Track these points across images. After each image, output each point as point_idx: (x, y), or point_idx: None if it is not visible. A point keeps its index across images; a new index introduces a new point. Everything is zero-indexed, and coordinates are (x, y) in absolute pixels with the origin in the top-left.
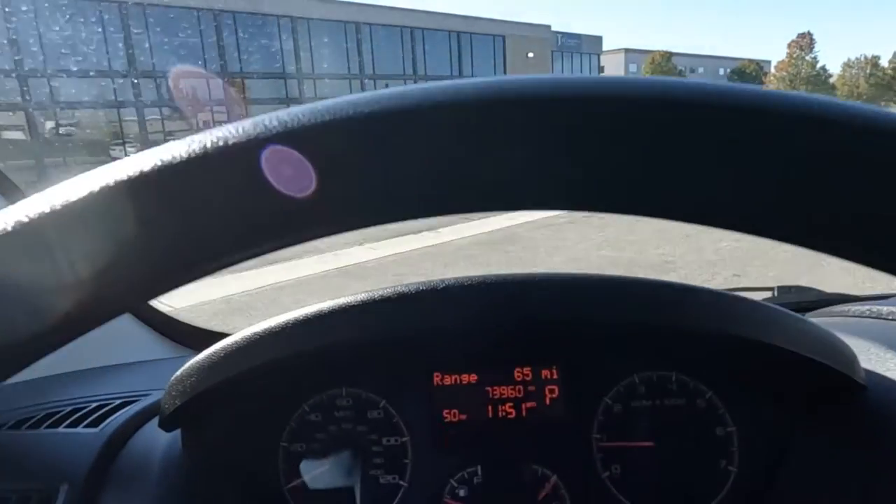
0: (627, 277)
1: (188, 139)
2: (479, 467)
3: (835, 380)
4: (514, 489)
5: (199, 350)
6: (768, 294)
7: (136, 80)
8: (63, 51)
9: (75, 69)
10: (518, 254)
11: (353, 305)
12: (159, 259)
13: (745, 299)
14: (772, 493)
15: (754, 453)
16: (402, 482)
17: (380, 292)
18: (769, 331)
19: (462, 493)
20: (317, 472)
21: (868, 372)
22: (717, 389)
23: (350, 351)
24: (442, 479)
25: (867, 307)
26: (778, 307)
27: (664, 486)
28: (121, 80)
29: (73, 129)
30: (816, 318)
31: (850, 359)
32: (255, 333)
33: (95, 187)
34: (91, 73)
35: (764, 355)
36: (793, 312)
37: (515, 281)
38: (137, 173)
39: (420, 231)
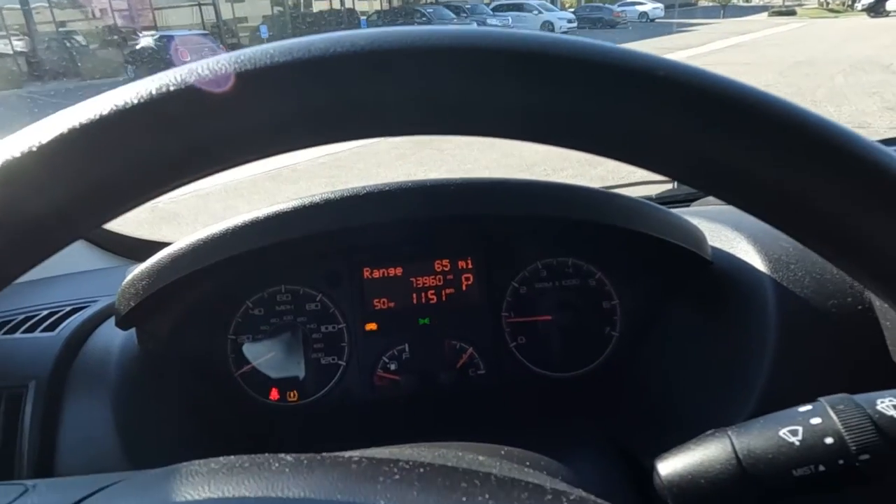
0: (527, 180)
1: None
2: (406, 345)
3: (686, 256)
4: (437, 361)
5: (138, 259)
6: (670, 185)
7: None
8: None
9: None
10: (452, 152)
11: (287, 211)
12: (105, 188)
13: (617, 195)
14: (644, 349)
15: (632, 321)
16: (340, 362)
17: (310, 198)
18: (633, 219)
19: (393, 367)
20: (264, 359)
21: (717, 250)
22: (605, 270)
23: (287, 252)
24: (375, 356)
25: None
26: (640, 200)
27: (560, 350)
28: None
29: None
30: (697, 207)
31: (698, 238)
32: (199, 239)
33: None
34: None
35: (633, 238)
36: (654, 203)
37: (433, 185)
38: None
39: None
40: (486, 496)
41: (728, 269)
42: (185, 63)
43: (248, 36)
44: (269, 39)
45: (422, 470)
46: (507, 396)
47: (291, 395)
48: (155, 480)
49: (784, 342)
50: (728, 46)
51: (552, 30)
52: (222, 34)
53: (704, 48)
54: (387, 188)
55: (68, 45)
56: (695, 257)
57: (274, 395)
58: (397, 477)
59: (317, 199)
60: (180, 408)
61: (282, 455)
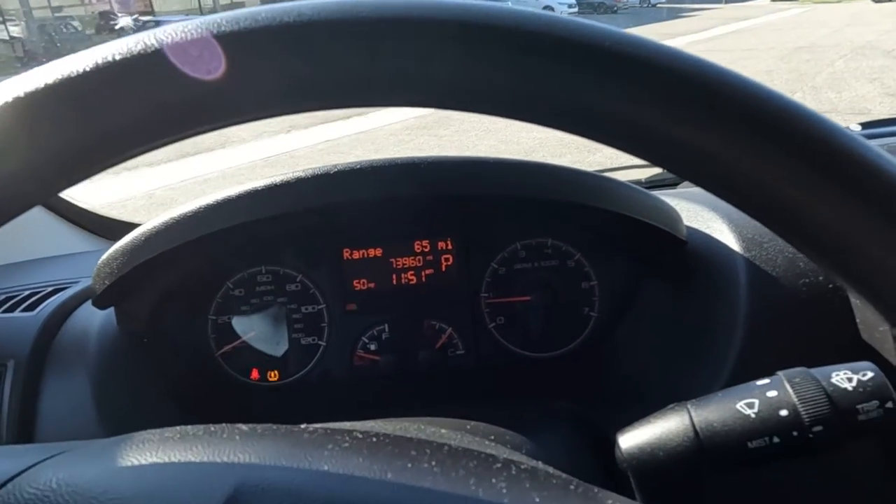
0: (503, 158)
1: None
2: (385, 325)
3: (662, 236)
4: (417, 341)
5: (116, 239)
6: (659, 169)
7: None
8: None
9: None
10: (450, 138)
11: (262, 188)
12: (65, 152)
13: (593, 175)
14: (621, 329)
15: (610, 301)
16: (320, 342)
17: (286, 174)
18: (607, 199)
19: (372, 347)
20: (245, 338)
21: (692, 230)
22: (583, 251)
23: (263, 231)
24: (355, 337)
25: None
26: (616, 180)
27: (539, 331)
28: None
29: None
30: (682, 189)
31: (674, 218)
32: (172, 218)
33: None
34: None
35: (610, 219)
36: (631, 184)
37: (413, 163)
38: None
39: (349, 117)
40: (433, 463)
41: (702, 249)
42: None
43: None
44: None
45: (374, 440)
46: (485, 376)
47: (272, 374)
48: (106, 448)
49: (754, 319)
50: (729, 32)
51: None
52: None
53: (705, 34)
54: (363, 165)
55: (64, 30)
56: (670, 237)
57: (254, 374)
58: (346, 445)
59: (293, 175)
60: (160, 387)
61: (238, 425)
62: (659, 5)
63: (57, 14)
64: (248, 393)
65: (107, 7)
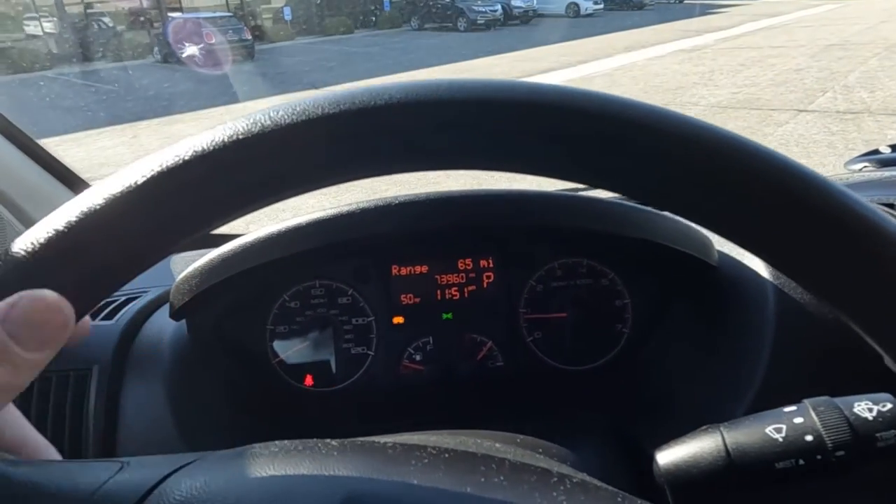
0: (543, 192)
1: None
2: (430, 338)
3: (694, 261)
4: (459, 353)
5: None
6: None
7: None
8: None
9: None
10: None
11: (326, 219)
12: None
13: (628, 206)
14: (651, 346)
15: (642, 319)
16: (369, 352)
17: (347, 207)
18: (643, 228)
19: (417, 357)
20: (299, 348)
21: (723, 255)
22: (617, 271)
23: (323, 252)
24: (401, 348)
25: None
26: (650, 209)
27: (573, 346)
28: None
29: None
30: None
31: (705, 244)
32: (248, 242)
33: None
34: None
35: (644, 245)
36: (662, 213)
37: (457, 197)
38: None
39: None
40: (501, 478)
41: (733, 274)
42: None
43: (271, 18)
44: (293, 22)
45: (447, 455)
46: (521, 387)
47: (323, 381)
48: (226, 460)
49: (780, 346)
50: (758, 29)
51: (578, 11)
52: (245, 16)
53: (734, 31)
54: (415, 199)
55: (96, 26)
56: (702, 262)
57: (308, 381)
58: (426, 461)
59: (352, 208)
60: (226, 392)
61: (328, 441)
62: (686, 1)
63: (89, 11)
64: (302, 399)
65: (137, 4)
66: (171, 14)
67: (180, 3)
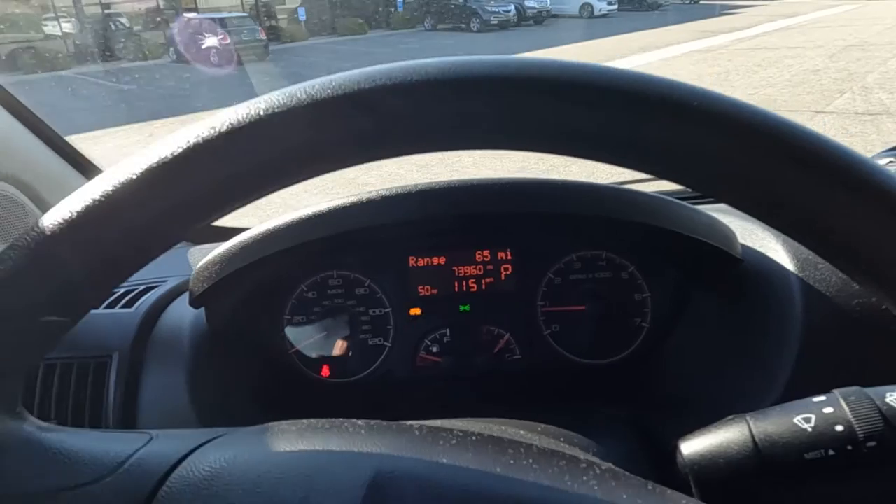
0: (563, 180)
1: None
2: (447, 329)
3: (718, 254)
4: (476, 345)
5: (194, 241)
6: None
7: None
8: None
9: None
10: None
11: (346, 205)
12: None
13: (647, 195)
14: (672, 340)
15: (662, 313)
16: (385, 343)
17: (366, 194)
18: (666, 217)
19: (435, 349)
20: (315, 338)
21: (746, 248)
22: (637, 264)
23: (340, 241)
24: (418, 339)
25: None
26: (674, 200)
27: (592, 339)
28: None
29: None
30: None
31: (729, 237)
32: (267, 230)
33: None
34: None
35: (666, 236)
36: (685, 203)
37: (478, 184)
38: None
39: None
40: (530, 461)
41: (757, 267)
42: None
43: (285, 18)
44: (307, 22)
45: (474, 438)
46: (539, 380)
47: (340, 372)
48: (254, 434)
49: (808, 339)
50: (775, 29)
51: (592, 12)
52: (260, 16)
53: (751, 31)
54: (432, 187)
55: (113, 27)
56: (726, 255)
57: (324, 372)
58: (454, 443)
59: (370, 195)
60: (243, 379)
61: (355, 420)
62: (702, 1)
63: (106, 11)
64: (318, 389)
65: (153, 4)
66: (186, 14)
67: (196, 3)
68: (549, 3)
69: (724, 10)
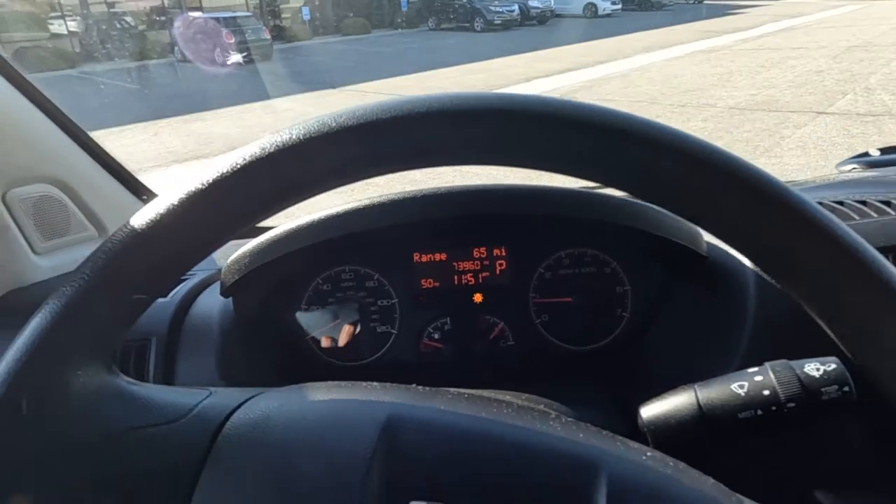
0: (552, 187)
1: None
2: (448, 318)
3: (685, 251)
4: (474, 332)
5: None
6: None
7: None
8: None
9: None
10: None
11: (361, 208)
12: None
13: (622, 199)
14: (650, 329)
15: (641, 303)
16: (392, 330)
17: (377, 198)
18: (636, 218)
19: (437, 336)
20: (330, 325)
21: (712, 246)
22: (619, 260)
23: (353, 240)
24: (422, 327)
25: None
26: (644, 203)
27: (578, 328)
28: None
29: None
30: None
31: (694, 236)
32: (293, 228)
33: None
34: None
35: (642, 236)
36: (658, 208)
37: (473, 191)
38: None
39: None
40: (509, 410)
41: (720, 262)
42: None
43: (289, 18)
44: (311, 21)
45: (466, 395)
46: (530, 364)
47: (352, 357)
48: (291, 391)
49: (759, 322)
50: (779, 30)
51: (595, 12)
52: (264, 16)
53: (754, 31)
54: (435, 193)
55: (118, 26)
56: (692, 252)
57: (337, 355)
58: (450, 397)
59: (381, 200)
60: (266, 362)
61: (370, 382)
62: (706, 1)
63: (112, 10)
64: (332, 373)
65: (158, 3)
66: (191, 13)
67: (200, 2)
68: (552, 2)
69: (728, 11)
